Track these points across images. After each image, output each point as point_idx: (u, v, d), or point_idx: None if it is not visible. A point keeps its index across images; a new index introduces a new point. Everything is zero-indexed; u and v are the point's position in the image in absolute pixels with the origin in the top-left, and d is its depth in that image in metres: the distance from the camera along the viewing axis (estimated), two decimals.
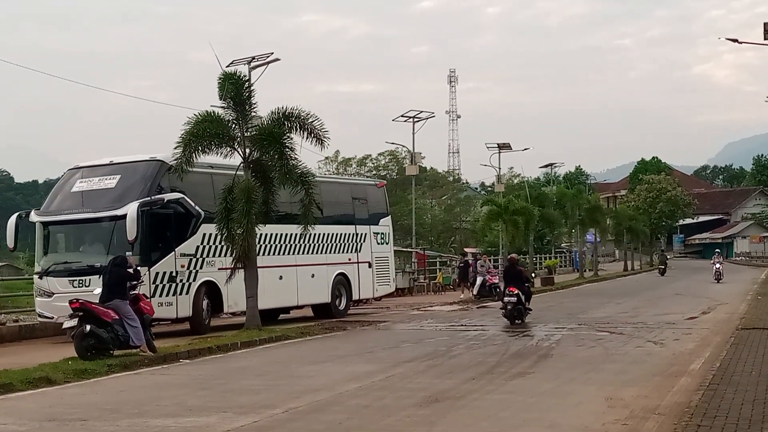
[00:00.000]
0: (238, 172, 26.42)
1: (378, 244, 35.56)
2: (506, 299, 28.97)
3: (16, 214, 27.28)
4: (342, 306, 33.27)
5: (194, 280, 26.73)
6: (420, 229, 66.42)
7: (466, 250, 75.36)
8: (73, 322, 19.74)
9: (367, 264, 34.84)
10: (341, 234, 33.52)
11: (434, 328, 28.12)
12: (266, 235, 29.15)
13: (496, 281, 42.74)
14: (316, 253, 31.99)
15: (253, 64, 34.08)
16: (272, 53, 34.48)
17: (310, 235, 29.37)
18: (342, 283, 33.35)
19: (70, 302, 20.21)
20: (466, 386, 15.74)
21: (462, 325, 28.67)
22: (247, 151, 26.52)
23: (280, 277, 29.98)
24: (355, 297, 34.32)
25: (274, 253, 30.11)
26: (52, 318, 25.38)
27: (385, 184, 39.57)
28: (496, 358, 19.86)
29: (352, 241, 34.08)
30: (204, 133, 25.53)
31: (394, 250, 53.50)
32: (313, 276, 31.63)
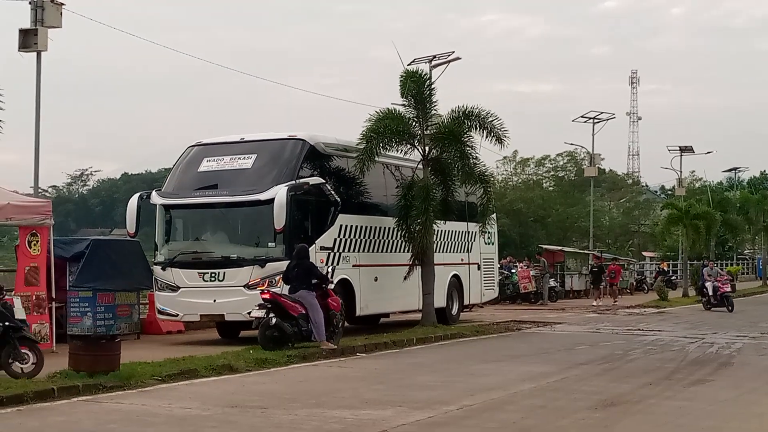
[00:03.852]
0: (417, 169, 26.60)
1: (486, 244, 31.59)
2: None
3: (137, 194, 24.01)
4: (454, 311, 29.46)
5: (331, 277, 22.60)
6: (597, 231, 65.48)
7: (644, 254, 73.99)
8: (261, 312, 19.99)
9: (477, 266, 31.12)
10: (455, 232, 29.60)
11: (610, 331, 27.78)
12: (389, 229, 26.26)
13: (728, 290, 39.27)
14: (437, 252, 27.58)
15: (434, 63, 34.28)
16: (453, 52, 34.64)
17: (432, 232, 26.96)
18: (455, 286, 29.48)
19: (262, 293, 20.42)
20: (642, 391, 15.52)
21: (639, 330, 28.24)
22: (427, 149, 26.71)
23: (404, 278, 26.26)
24: (465, 302, 30.42)
25: (398, 250, 26.50)
26: (177, 315, 23.24)
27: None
28: (674, 364, 19.50)
29: (464, 240, 30.21)
30: (385, 129, 25.69)
31: (569, 251, 53.23)
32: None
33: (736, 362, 20.10)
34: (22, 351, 15.59)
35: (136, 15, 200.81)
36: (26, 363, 15.57)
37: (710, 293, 38.88)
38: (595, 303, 42.13)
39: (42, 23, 24.07)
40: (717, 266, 43.68)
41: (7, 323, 15.52)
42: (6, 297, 16.74)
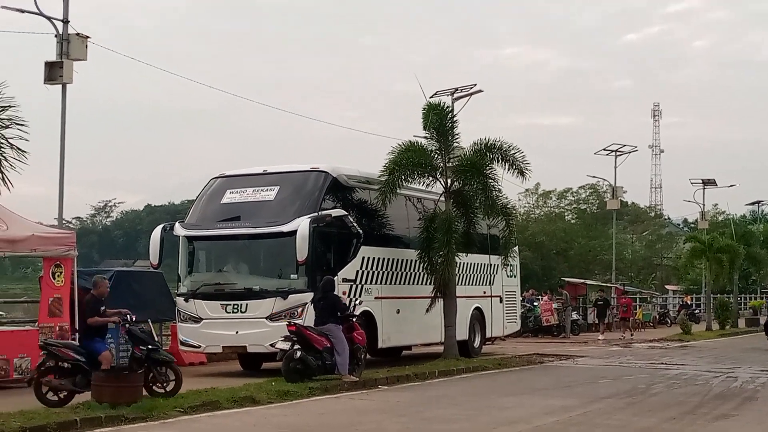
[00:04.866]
0: (439, 202, 26.60)
1: (508, 276, 31.28)
2: None
3: (161, 226, 24.12)
4: (477, 344, 29.26)
5: (353, 310, 22.37)
6: (620, 264, 65.24)
7: (667, 287, 73.65)
8: (287, 344, 19.97)
9: (499, 298, 30.80)
10: (478, 264, 29.44)
11: (633, 365, 27.67)
12: (411, 261, 26.22)
13: None
14: (459, 284, 27.24)
15: (456, 95, 34.25)
16: (475, 84, 34.60)
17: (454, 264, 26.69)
18: (477, 319, 29.28)
19: (288, 325, 20.37)
20: (666, 425, 15.43)
21: (662, 364, 28.12)
22: (449, 181, 26.72)
23: (426, 310, 26.06)
24: (487, 334, 30.16)
25: (421, 283, 26.45)
26: (199, 347, 23.25)
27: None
28: (697, 398, 19.38)
29: (486, 273, 29.89)
30: (407, 162, 25.70)
31: (592, 284, 53.06)
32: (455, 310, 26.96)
33: (761, 397, 19.97)
34: (163, 371, 16.69)
35: (163, 49, 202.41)
36: (168, 382, 16.70)
37: None
38: (600, 337, 40.94)
39: (68, 56, 24.26)
40: None
41: (150, 346, 16.61)
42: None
